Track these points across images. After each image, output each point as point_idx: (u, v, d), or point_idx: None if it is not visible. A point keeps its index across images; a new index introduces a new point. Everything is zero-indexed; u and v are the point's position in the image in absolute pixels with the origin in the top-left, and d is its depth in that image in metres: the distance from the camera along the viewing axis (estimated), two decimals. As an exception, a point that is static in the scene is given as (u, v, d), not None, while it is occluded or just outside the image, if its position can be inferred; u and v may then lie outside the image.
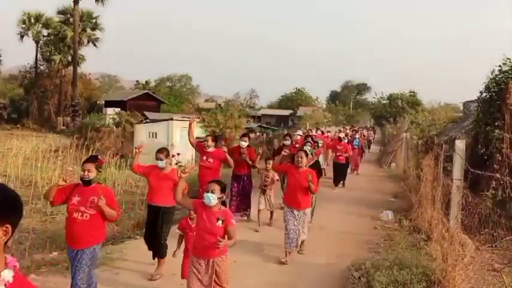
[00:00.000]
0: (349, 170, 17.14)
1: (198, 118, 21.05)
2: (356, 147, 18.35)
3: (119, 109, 32.73)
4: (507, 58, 9.36)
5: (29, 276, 5.65)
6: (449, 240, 5.45)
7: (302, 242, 7.23)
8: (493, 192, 7.87)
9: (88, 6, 40.66)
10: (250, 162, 8.77)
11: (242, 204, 9.10)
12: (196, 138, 9.55)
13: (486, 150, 8.94)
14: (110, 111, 33.30)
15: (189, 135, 8.23)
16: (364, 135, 26.97)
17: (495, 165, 8.47)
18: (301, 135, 14.92)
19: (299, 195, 6.81)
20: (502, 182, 7.71)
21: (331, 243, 8.08)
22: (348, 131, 23.52)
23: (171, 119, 18.86)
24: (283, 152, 7.20)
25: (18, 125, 36.58)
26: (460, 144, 7.16)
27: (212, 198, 4.40)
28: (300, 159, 6.84)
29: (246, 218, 9.19)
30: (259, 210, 8.69)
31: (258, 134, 30.28)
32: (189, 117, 21.84)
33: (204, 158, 7.88)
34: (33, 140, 19.05)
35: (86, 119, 30.72)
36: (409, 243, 7.31)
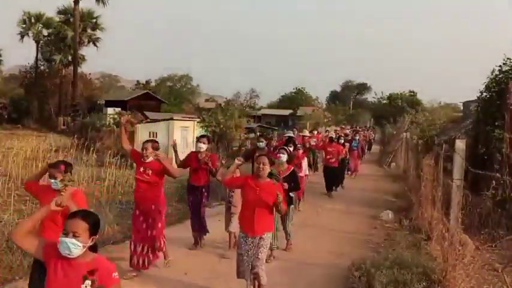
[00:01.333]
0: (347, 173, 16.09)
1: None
2: (355, 148, 16.98)
3: (120, 109, 32.70)
4: (507, 58, 9.40)
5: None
6: (450, 240, 5.46)
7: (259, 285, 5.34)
8: (493, 192, 7.89)
9: (88, 6, 40.73)
10: (213, 169, 6.96)
11: (194, 225, 7.27)
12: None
13: (486, 149, 8.97)
14: (111, 111, 33.24)
15: (122, 140, 6.53)
16: (365, 136, 26.03)
17: (495, 165, 8.49)
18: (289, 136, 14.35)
19: (258, 216, 5.00)
20: (502, 181, 7.73)
21: (332, 242, 8.09)
22: (347, 131, 22.40)
23: (171, 119, 18.84)
24: (236, 161, 5.40)
25: (19, 125, 36.55)
26: (461, 144, 7.15)
27: (73, 246, 2.70)
28: (261, 166, 5.03)
29: (197, 245, 7.25)
30: (229, 232, 7.14)
31: (258, 133, 30.23)
32: (190, 117, 21.86)
33: (141, 169, 6.00)
34: (34, 139, 19.04)
35: (86, 119, 30.68)
36: (409, 242, 7.33)
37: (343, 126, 27.08)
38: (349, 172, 16.74)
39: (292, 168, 6.98)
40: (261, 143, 9.24)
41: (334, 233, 8.75)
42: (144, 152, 6.03)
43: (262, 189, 5.02)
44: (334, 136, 14.45)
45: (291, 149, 8.60)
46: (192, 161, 7.20)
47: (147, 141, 6.37)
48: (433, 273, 5.34)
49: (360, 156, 18.46)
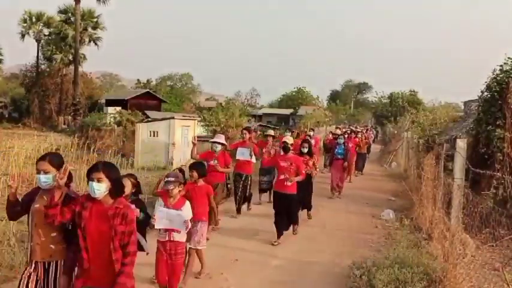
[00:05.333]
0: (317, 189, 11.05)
1: None
2: (339, 157, 12.48)
3: (120, 108, 32.73)
4: (508, 57, 9.38)
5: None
6: (450, 239, 5.47)
7: None
8: (494, 191, 7.88)
9: (89, 5, 40.82)
10: None
11: None
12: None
13: (487, 149, 8.95)
14: (111, 110, 33.31)
15: None
16: (366, 138, 21.38)
17: (496, 164, 8.48)
18: (221, 144, 8.33)
19: None
20: (503, 181, 7.73)
21: (332, 241, 8.10)
22: (339, 131, 16.40)
23: (172, 118, 18.85)
24: None
25: (20, 124, 36.66)
26: (461, 143, 7.16)
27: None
28: None
29: None
30: None
31: (258, 133, 30.22)
32: (190, 116, 21.88)
33: None
34: (35, 139, 19.04)
35: (87, 118, 30.77)
36: (410, 242, 7.33)
37: (339, 127, 22.99)
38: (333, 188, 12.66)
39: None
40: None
41: (335, 232, 8.76)
42: None
43: None
44: (289, 141, 8.51)
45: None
46: None
47: None
48: (433, 272, 5.35)
49: (345, 168, 12.92)
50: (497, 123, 8.89)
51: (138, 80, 58.56)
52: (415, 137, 16.42)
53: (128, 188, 4.52)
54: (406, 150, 18.45)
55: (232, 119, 20.99)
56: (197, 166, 6.02)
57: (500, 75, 9.29)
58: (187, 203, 5.06)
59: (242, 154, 9.37)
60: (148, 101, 42.16)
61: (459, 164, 7.09)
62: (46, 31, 41.94)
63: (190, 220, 5.05)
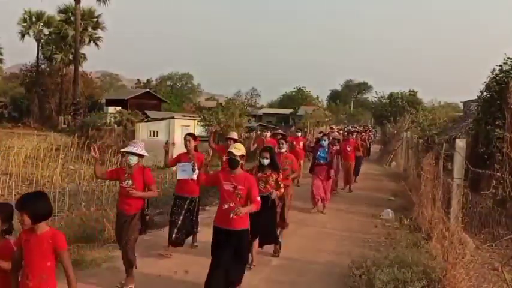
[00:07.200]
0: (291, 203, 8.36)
1: None
2: (322, 161, 10.28)
3: (120, 108, 32.76)
4: (508, 57, 9.41)
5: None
6: (450, 239, 5.48)
7: None
8: (494, 191, 7.89)
9: (89, 5, 40.85)
10: None
11: None
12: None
13: (486, 149, 8.98)
14: (111, 109, 33.35)
15: None
16: (363, 140, 18.82)
17: (495, 164, 8.49)
18: (138, 155, 5.48)
19: None
20: (502, 180, 7.74)
21: (332, 241, 8.11)
22: (336, 133, 14.24)
23: (172, 118, 18.88)
24: None
25: (19, 124, 36.71)
26: (461, 143, 7.17)
27: None
28: None
29: None
30: None
31: (258, 132, 30.25)
32: (190, 116, 21.91)
33: None
34: (34, 138, 19.11)
35: (87, 118, 30.85)
36: (409, 241, 7.34)
37: (333, 127, 20.51)
38: (318, 202, 10.35)
39: None
40: None
41: (335, 232, 8.76)
42: None
43: None
44: (237, 152, 5.01)
45: None
46: None
47: None
48: (433, 272, 5.36)
49: (329, 174, 10.53)
50: (497, 123, 8.92)
51: (138, 80, 58.68)
52: (415, 136, 16.44)
53: None
54: (405, 150, 18.46)
55: (232, 119, 21.00)
56: (27, 204, 3.22)
57: (500, 75, 9.33)
58: None
59: (183, 171, 6.34)
60: (149, 101, 42.21)
61: (458, 164, 7.11)
62: (46, 31, 42.01)
63: None
